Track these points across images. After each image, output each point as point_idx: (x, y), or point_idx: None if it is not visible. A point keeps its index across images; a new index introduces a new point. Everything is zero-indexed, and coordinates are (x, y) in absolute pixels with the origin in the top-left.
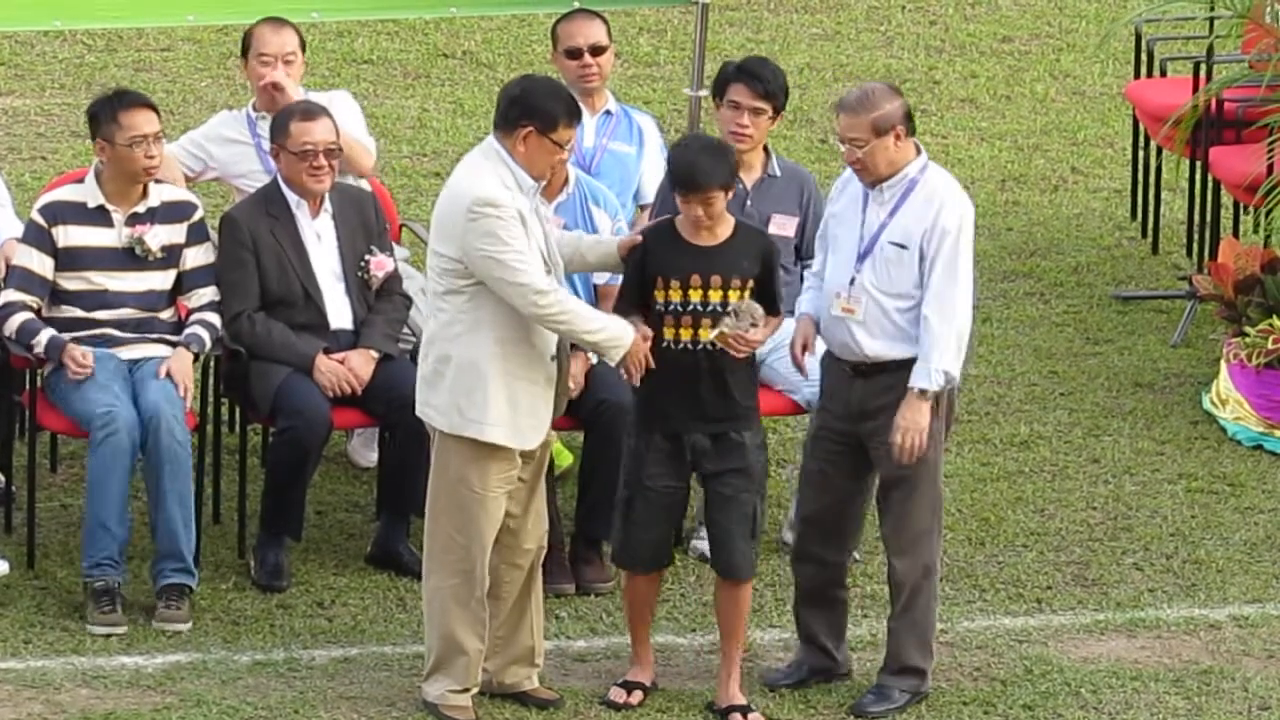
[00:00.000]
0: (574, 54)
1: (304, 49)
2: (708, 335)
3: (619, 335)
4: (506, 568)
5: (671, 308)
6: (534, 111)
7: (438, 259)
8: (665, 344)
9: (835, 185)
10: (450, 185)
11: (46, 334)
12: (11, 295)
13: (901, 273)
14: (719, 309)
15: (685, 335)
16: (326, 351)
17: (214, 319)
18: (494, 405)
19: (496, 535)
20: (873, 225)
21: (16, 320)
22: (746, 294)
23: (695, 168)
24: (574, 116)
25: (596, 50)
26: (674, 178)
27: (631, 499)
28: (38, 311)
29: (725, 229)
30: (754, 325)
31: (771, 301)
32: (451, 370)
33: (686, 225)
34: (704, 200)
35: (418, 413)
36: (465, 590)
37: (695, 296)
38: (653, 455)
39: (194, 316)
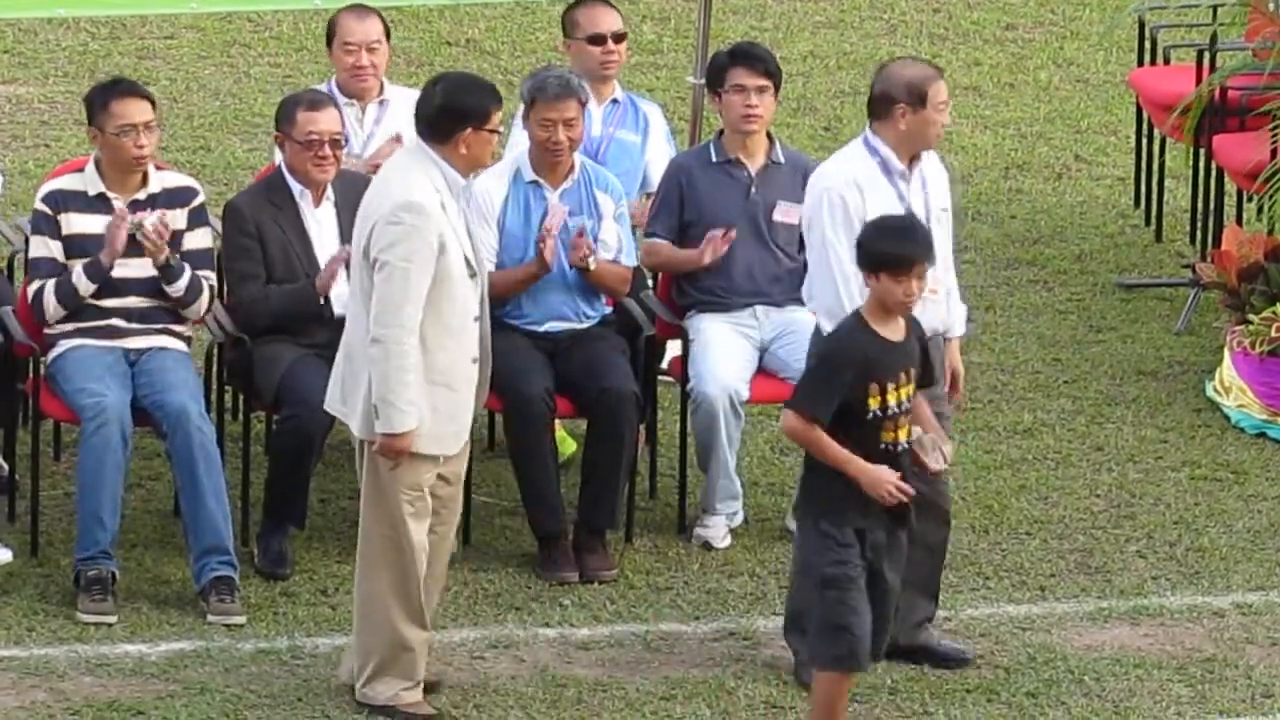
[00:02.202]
0: (598, 40)
1: (389, 36)
2: (907, 435)
3: (409, 422)
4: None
5: (890, 411)
6: (467, 112)
7: (359, 259)
8: (885, 447)
9: (846, 192)
10: (378, 185)
11: (77, 269)
12: (42, 285)
13: (944, 236)
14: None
15: (902, 435)
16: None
17: (207, 281)
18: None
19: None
20: (917, 202)
21: (50, 291)
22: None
23: (911, 240)
24: (499, 100)
25: (619, 37)
26: (886, 258)
27: (846, 593)
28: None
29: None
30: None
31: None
32: (364, 376)
33: (884, 314)
34: (920, 273)
35: (329, 410)
36: (404, 585)
37: (904, 394)
38: (850, 549)
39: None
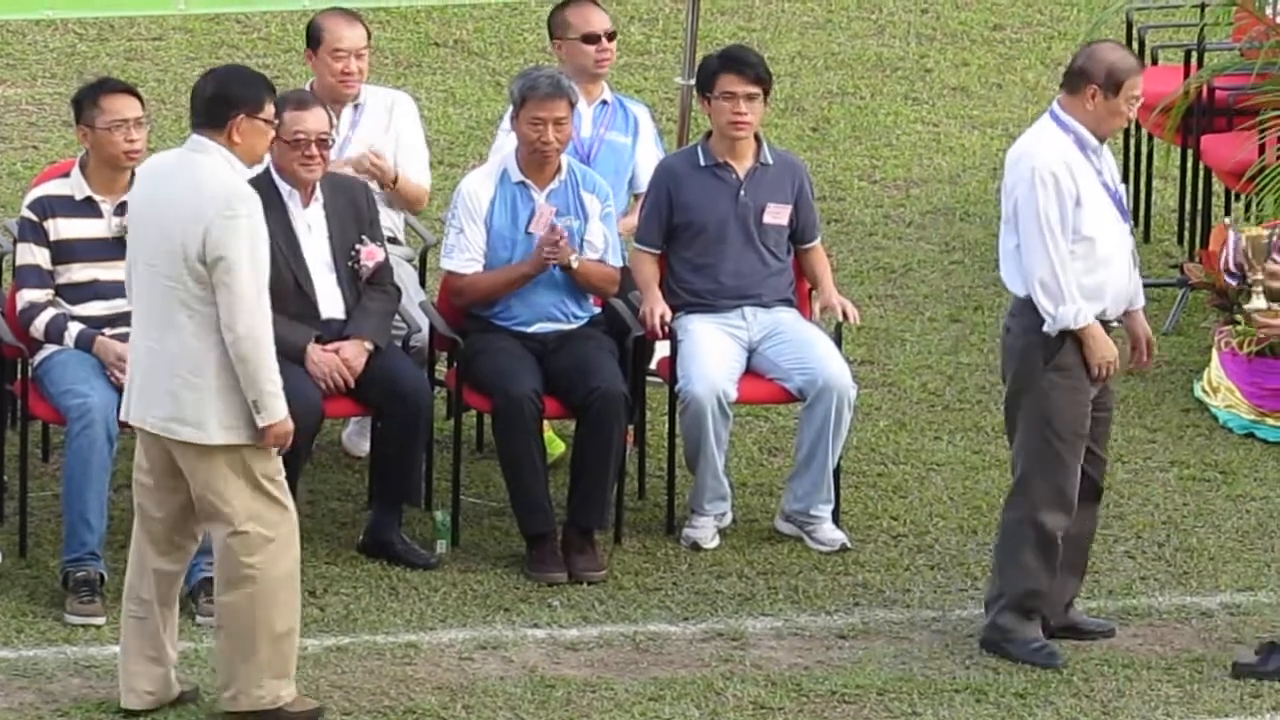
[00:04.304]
0: (592, 39)
1: (370, 40)
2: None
3: (282, 409)
4: (177, 572)
5: None
6: (237, 100)
7: (188, 265)
8: None
9: (1057, 169)
10: (185, 187)
11: (76, 327)
12: (32, 295)
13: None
14: None
15: None
16: (318, 340)
17: None
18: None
19: (175, 537)
20: (1110, 178)
21: (43, 319)
22: None
23: None
24: (272, 90)
25: (611, 35)
26: None
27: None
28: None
29: None
30: None
31: None
32: (211, 382)
33: None
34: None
35: (133, 423)
36: (287, 588)
37: None
38: None
39: None
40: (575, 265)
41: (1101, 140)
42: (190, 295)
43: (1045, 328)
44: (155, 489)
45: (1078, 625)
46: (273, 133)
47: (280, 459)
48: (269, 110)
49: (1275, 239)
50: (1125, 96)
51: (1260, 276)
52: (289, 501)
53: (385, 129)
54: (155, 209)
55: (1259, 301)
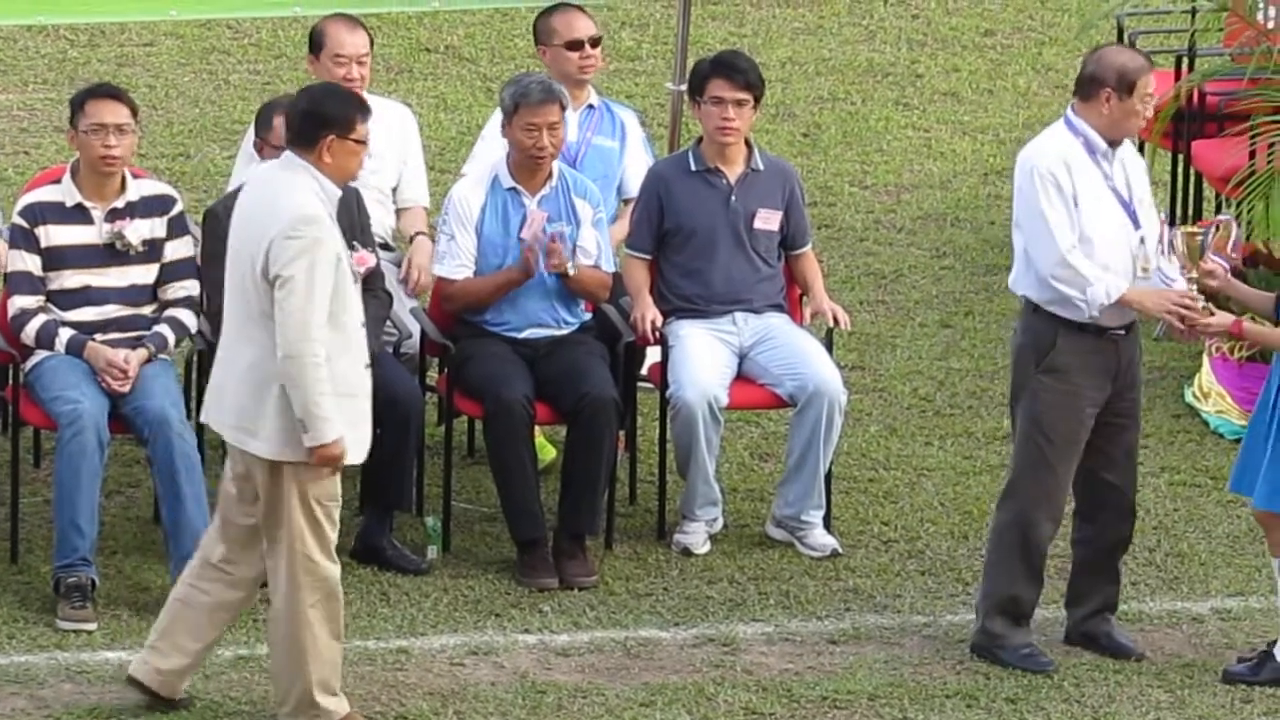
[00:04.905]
0: (576, 45)
1: (372, 45)
2: None
3: (338, 429)
4: (225, 584)
5: None
6: (329, 119)
7: (255, 280)
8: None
9: (1056, 169)
10: (262, 201)
11: (66, 333)
12: (23, 302)
13: (1146, 221)
14: None
15: None
16: None
17: (186, 316)
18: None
19: (239, 551)
20: (1120, 183)
21: (34, 326)
22: None
23: None
24: (366, 111)
25: (595, 41)
26: None
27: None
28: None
29: None
30: None
31: None
32: (274, 396)
33: None
34: None
35: (211, 424)
36: (328, 604)
37: None
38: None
39: (166, 311)
40: (572, 273)
41: (1116, 143)
42: (258, 309)
43: (1081, 314)
44: (238, 498)
45: (1098, 638)
46: (364, 153)
47: (339, 486)
48: (361, 131)
49: (1210, 238)
50: (1139, 95)
51: (1195, 275)
52: (331, 531)
53: (391, 144)
54: (240, 221)
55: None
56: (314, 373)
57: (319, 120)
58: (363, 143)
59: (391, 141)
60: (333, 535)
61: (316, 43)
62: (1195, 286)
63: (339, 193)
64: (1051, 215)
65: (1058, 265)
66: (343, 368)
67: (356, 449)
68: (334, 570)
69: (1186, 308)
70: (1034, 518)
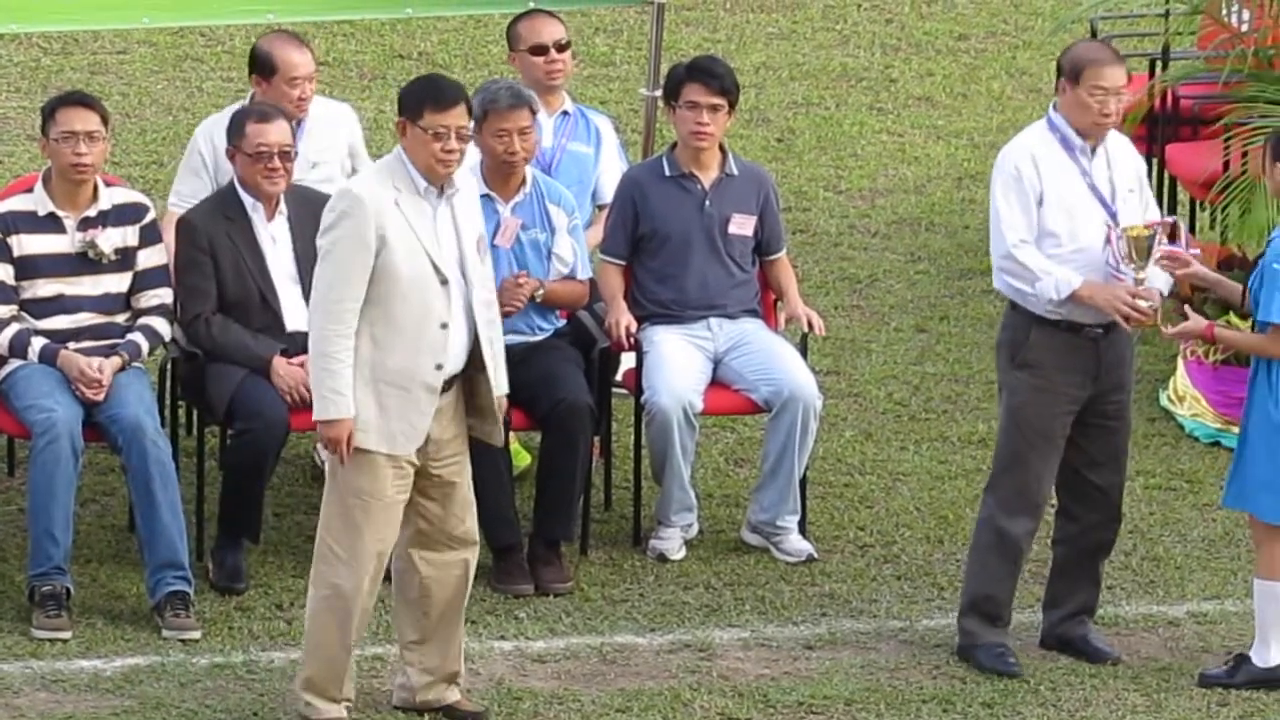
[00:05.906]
0: (540, 50)
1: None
2: None
3: (342, 411)
4: (435, 575)
5: None
6: (402, 105)
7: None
8: None
9: (1021, 163)
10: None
11: (39, 342)
12: None
13: (1130, 213)
14: None
15: None
16: (284, 354)
17: (159, 324)
18: (362, 410)
19: (420, 540)
20: (1100, 179)
21: (7, 335)
22: None
23: None
24: (440, 101)
25: (561, 47)
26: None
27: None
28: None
29: None
30: None
31: None
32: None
33: None
34: None
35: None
36: (338, 603)
37: None
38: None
39: (140, 320)
40: (539, 299)
41: (1087, 137)
42: None
43: (1039, 308)
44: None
45: (1074, 641)
46: (436, 144)
47: (388, 483)
48: (429, 119)
49: (1157, 238)
50: (1086, 86)
51: (1143, 276)
52: (367, 530)
53: (333, 142)
54: None
55: (1140, 302)
56: (322, 346)
57: (400, 104)
58: (429, 131)
59: (338, 143)
60: (369, 543)
61: (266, 65)
62: (1145, 285)
63: (426, 183)
64: (1003, 209)
65: (1004, 258)
66: (395, 361)
67: (403, 440)
68: (347, 580)
69: (1136, 308)
70: (1008, 513)
